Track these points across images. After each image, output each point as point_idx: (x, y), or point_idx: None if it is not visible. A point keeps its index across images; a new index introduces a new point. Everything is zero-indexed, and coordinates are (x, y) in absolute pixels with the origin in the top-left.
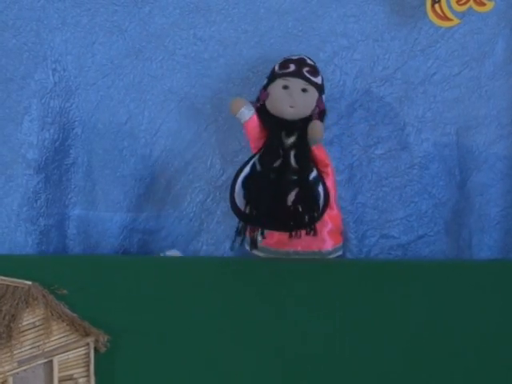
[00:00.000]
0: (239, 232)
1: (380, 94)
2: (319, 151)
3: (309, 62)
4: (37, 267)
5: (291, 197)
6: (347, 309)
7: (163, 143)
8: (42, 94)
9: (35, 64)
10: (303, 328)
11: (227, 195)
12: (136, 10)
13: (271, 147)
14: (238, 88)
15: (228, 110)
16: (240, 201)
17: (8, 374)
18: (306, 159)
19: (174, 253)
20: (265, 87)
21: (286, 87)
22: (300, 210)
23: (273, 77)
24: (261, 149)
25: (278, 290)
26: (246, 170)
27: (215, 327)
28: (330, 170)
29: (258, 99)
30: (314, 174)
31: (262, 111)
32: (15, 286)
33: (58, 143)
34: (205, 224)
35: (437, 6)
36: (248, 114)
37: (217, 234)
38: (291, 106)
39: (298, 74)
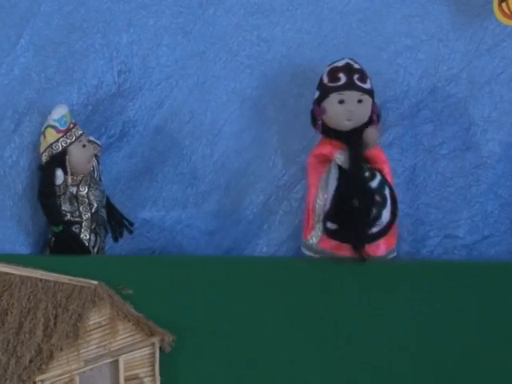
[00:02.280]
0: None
1: (445, 94)
2: (375, 149)
3: (356, 66)
4: (102, 267)
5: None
6: (411, 310)
7: (225, 143)
8: (106, 94)
9: (101, 65)
10: (367, 328)
11: (289, 195)
12: (200, 11)
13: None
14: (301, 89)
15: (290, 111)
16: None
17: (75, 372)
18: (362, 168)
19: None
20: (318, 101)
21: (341, 102)
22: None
23: (325, 91)
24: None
25: (342, 290)
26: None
27: (279, 327)
28: (387, 168)
29: (314, 115)
30: (378, 178)
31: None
32: (82, 286)
33: (113, 139)
34: (265, 225)
35: (504, 4)
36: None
37: (278, 235)
38: (348, 120)
39: (350, 85)
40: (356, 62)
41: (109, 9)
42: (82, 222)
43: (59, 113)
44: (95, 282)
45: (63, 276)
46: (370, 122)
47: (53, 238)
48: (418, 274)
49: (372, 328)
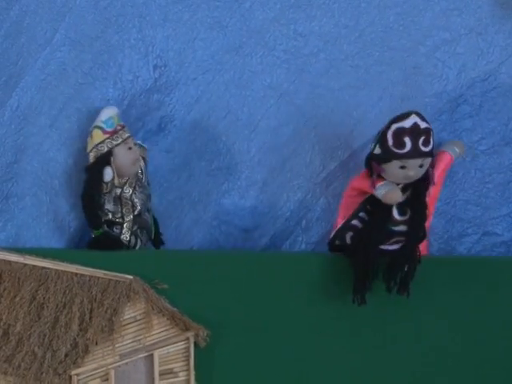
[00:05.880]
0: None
1: (484, 89)
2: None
3: (423, 126)
4: (138, 262)
5: (387, 246)
6: (449, 306)
7: (261, 139)
8: (142, 88)
9: (137, 60)
10: (402, 325)
11: (326, 191)
12: (236, 5)
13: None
14: (338, 83)
15: (327, 106)
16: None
17: (110, 367)
18: (423, 217)
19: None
20: (378, 160)
21: (403, 167)
22: (399, 263)
23: (388, 156)
24: (367, 201)
25: (378, 287)
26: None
27: (314, 322)
28: (433, 191)
29: (371, 171)
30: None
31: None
32: (117, 281)
33: (151, 133)
34: (303, 222)
35: None
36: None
37: (316, 232)
38: (407, 180)
39: (415, 153)
40: (423, 119)
41: (144, 3)
42: (123, 223)
43: (107, 114)
44: (130, 277)
45: (98, 270)
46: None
47: (92, 240)
48: (455, 270)
49: (408, 325)
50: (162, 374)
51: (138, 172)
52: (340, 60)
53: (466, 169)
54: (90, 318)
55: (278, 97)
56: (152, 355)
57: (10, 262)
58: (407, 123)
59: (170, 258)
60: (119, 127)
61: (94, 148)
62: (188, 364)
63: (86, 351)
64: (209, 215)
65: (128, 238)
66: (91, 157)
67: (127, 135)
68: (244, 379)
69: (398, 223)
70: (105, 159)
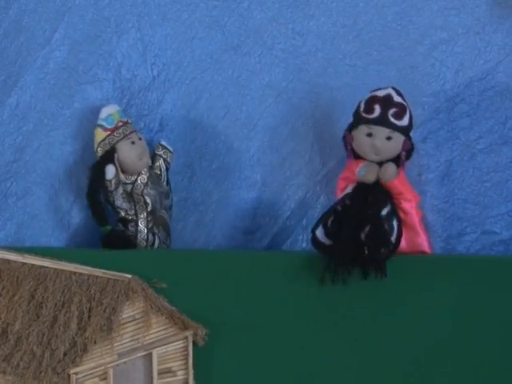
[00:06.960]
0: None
1: (481, 88)
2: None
3: (396, 99)
4: (136, 261)
5: (364, 233)
6: (447, 306)
7: (260, 138)
8: (141, 87)
9: (135, 59)
10: (402, 324)
11: (326, 189)
12: (235, 4)
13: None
14: (336, 82)
15: (325, 105)
16: (321, 235)
17: (108, 365)
18: (378, 193)
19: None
20: (350, 129)
21: (369, 135)
22: (370, 247)
23: (357, 120)
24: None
25: (378, 286)
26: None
27: (313, 321)
28: (409, 195)
29: (345, 141)
30: (387, 208)
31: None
32: (115, 280)
33: (153, 133)
34: (304, 221)
35: None
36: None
37: None
38: (376, 154)
39: (382, 121)
40: (399, 94)
41: (143, 2)
42: (137, 220)
43: (106, 112)
44: (129, 276)
45: (97, 269)
46: (398, 156)
47: (102, 238)
48: (454, 269)
49: (408, 324)
50: (161, 372)
51: (148, 168)
52: (338, 59)
53: (464, 168)
54: (89, 316)
55: (277, 96)
56: (151, 354)
57: (8, 261)
58: (381, 93)
59: (168, 257)
60: (120, 123)
61: (98, 147)
62: (186, 363)
63: (85, 350)
64: (211, 216)
65: (145, 237)
66: (97, 156)
67: (130, 130)
68: (243, 378)
69: None
70: (108, 156)
